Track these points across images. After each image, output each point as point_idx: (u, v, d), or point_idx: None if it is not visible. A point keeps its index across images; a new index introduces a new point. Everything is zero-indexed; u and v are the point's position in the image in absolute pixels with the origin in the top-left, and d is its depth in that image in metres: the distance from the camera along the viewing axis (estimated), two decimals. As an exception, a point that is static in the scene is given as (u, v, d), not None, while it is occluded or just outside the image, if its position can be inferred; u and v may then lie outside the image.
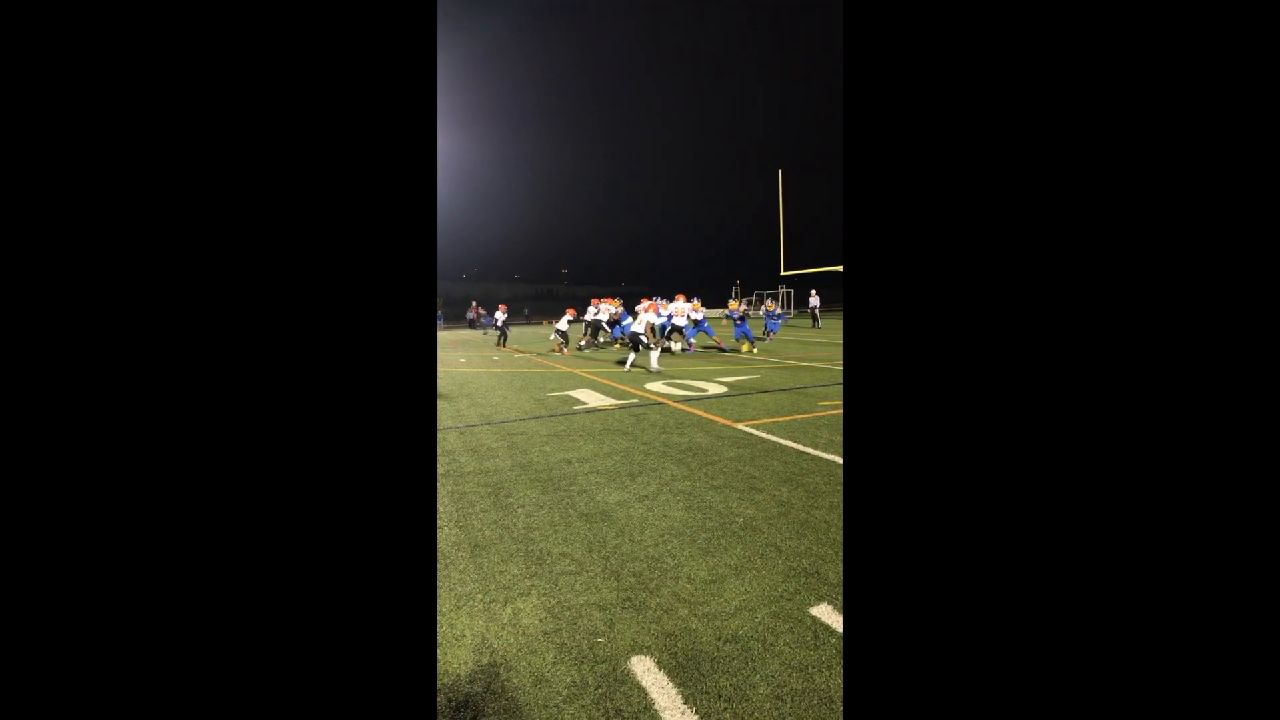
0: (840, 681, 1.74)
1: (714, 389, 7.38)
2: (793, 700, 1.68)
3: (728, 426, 5.24)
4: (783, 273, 31.93)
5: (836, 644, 1.94)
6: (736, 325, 12.61)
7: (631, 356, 9.68)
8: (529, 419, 5.86)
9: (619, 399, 6.85)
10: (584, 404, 6.61)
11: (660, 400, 6.68)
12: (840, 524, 2.95)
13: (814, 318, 21.09)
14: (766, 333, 15.07)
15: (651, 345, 9.35)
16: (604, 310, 14.59)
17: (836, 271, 28.76)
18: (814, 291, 21.73)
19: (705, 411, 5.95)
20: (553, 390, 7.74)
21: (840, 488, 3.50)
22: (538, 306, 50.54)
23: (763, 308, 16.48)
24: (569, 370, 9.96)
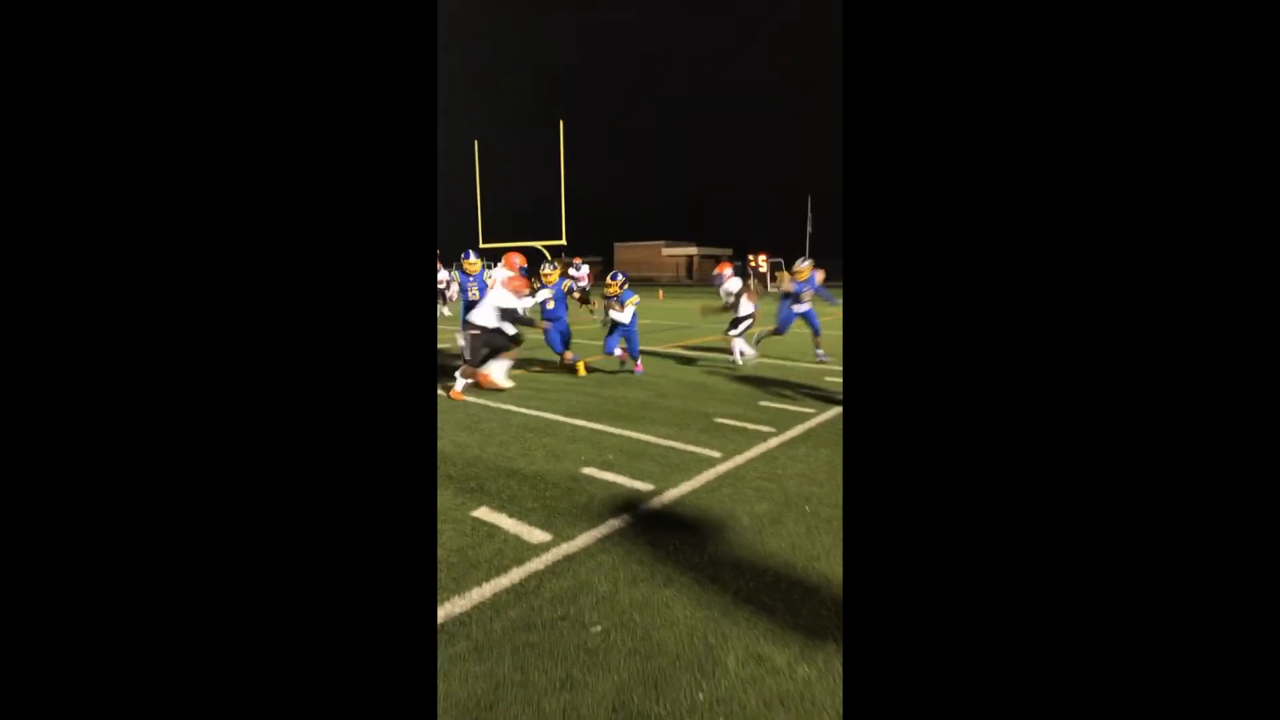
0: (487, 556, 2.33)
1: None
2: (447, 569, 2.22)
3: (415, 389, 5.46)
4: (481, 245, 32.06)
5: (488, 530, 2.55)
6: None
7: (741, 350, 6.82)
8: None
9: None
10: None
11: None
12: (507, 456, 3.60)
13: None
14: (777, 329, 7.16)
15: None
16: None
17: (534, 247, 30.18)
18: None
19: (393, 377, 6.03)
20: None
21: (511, 429, 4.17)
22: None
23: (778, 278, 7.75)
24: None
